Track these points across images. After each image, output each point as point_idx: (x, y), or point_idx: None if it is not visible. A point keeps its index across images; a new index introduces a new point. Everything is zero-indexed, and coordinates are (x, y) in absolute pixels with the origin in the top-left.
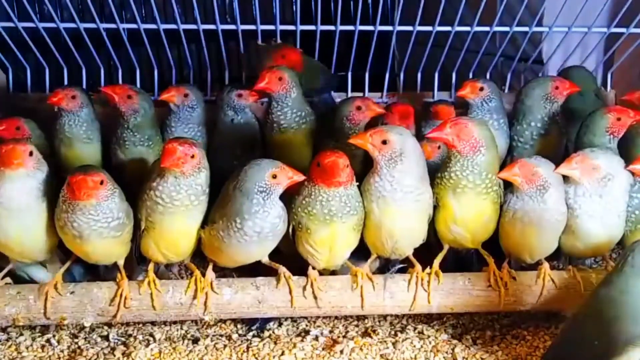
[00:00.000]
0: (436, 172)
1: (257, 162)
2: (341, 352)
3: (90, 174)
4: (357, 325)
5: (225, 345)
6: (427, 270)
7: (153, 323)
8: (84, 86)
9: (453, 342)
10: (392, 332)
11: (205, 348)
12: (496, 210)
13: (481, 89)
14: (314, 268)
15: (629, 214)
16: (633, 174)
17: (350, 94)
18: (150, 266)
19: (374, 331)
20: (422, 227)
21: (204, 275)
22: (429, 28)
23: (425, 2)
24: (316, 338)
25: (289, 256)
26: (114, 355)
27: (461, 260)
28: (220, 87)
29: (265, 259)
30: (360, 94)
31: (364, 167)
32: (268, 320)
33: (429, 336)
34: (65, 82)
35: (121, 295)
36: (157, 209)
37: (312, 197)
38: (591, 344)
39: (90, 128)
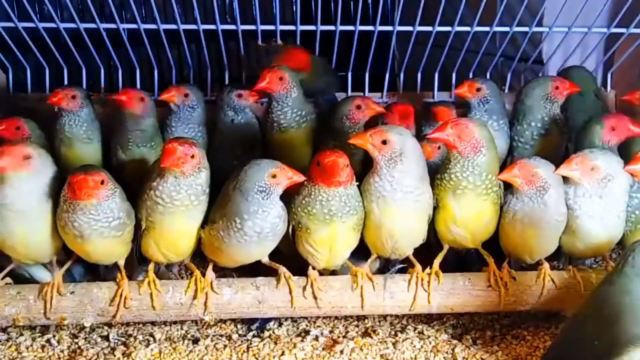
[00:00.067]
0: (436, 172)
1: (256, 162)
2: (341, 352)
3: (90, 174)
4: (357, 326)
5: (225, 346)
6: (427, 270)
7: (153, 323)
8: (84, 86)
9: (453, 342)
10: (392, 332)
11: (206, 348)
12: (496, 211)
13: (478, 89)
14: (314, 268)
15: (628, 214)
16: (631, 174)
17: (350, 94)
18: (151, 266)
19: (374, 331)
20: (422, 227)
21: (204, 275)
22: (429, 28)
23: (425, 2)
24: (316, 338)
25: (289, 256)
26: (114, 356)
27: (461, 260)
28: (220, 87)
29: (265, 259)
30: (360, 94)
31: (363, 167)
32: (268, 320)
33: (429, 336)
34: (65, 82)
35: (121, 295)
36: (157, 209)
37: (312, 197)
38: (591, 344)
39: (90, 128)
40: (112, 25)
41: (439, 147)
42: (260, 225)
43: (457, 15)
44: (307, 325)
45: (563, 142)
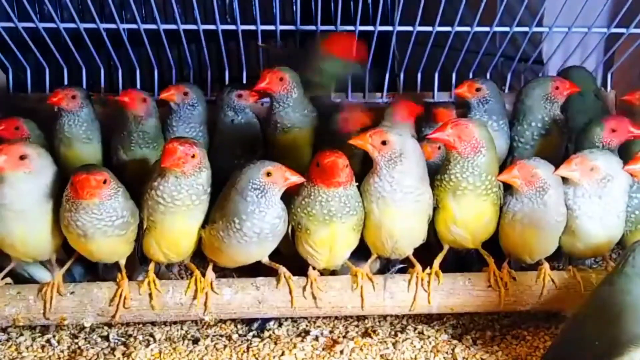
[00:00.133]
0: (436, 173)
1: (253, 162)
2: (341, 352)
3: (93, 173)
4: (357, 326)
5: (225, 346)
6: (427, 270)
7: (153, 323)
8: (84, 86)
9: (453, 342)
10: (392, 333)
11: (206, 348)
12: (496, 211)
13: (478, 89)
14: (314, 268)
15: (628, 214)
16: (631, 174)
17: (350, 94)
18: (151, 266)
19: (374, 331)
20: (422, 228)
21: (204, 275)
22: (429, 28)
23: (426, 2)
24: (316, 338)
25: (289, 256)
26: (114, 356)
27: (461, 260)
28: (220, 87)
29: (265, 259)
30: (360, 94)
31: (363, 167)
32: (268, 319)
33: (429, 336)
34: (65, 82)
35: (120, 295)
36: (159, 209)
37: (312, 198)
38: (592, 344)
39: (89, 128)
40: (112, 25)
41: (439, 148)
42: (259, 226)
43: (457, 15)
44: (307, 326)
45: (563, 142)
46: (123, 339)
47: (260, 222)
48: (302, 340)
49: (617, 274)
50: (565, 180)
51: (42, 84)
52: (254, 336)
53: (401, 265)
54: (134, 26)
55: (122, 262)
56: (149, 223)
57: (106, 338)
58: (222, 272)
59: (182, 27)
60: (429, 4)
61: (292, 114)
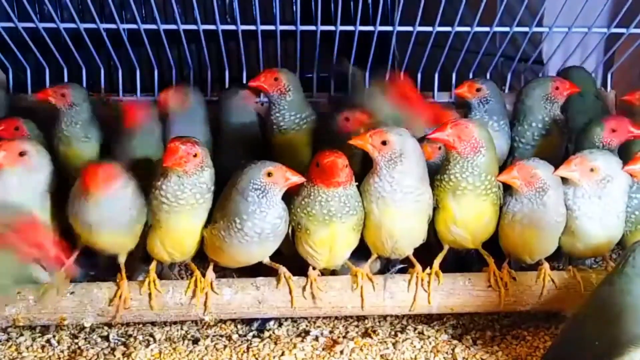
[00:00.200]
0: (436, 173)
1: (254, 162)
2: (341, 352)
3: (102, 166)
4: (357, 326)
5: (225, 346)
6: (427, 270)
7: (153, 323)
8: (84, 86)
9: (453, 342)
10: (392, 333)
11: (206, 348)
12: (496, 211)
13: (478, 89)
14: (314, 268)
15: (628, 214)
16: (630, 175)
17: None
18: (152, 266)
19: (374, 331)
20: (422, 228)
21: (204, 275)
22: (429, 28)
23: (426, 2)
24: (316, 338)
25: (289, 256)
26: (114, 356)
27: (461, 260)
28: (220, 87)
29: (265, 259)
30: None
31: (363, 167)
32: (268, 319)
33: (429, 336)
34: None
35: (120, 296)
36: (163, 208)
37: (312, 198)
38: (592, 344)
39: (88, 127)
40: (112, 26)
41: (439, 148)
42: (261, 226)
43: (457, 15)
44: (307, 326)
45: (563, 142)
46: (123, 339)
47: (262, 222)
48: (302, 341)
49: (617, 274)
50: (565, 180)
51: (42, 84)
52: (254, 336)
53: (401, 266)
54: (134, 26)
55: (122, 260)
56: (153, 222)
57: (106, 338)
58: (222, 272)
59: (182, 27)
60: (429, 4)
61: (287, 116)
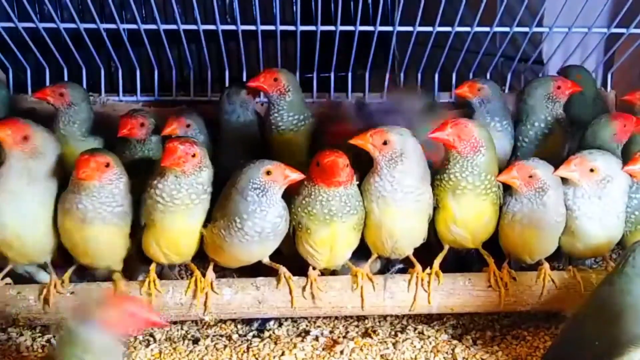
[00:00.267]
0: (435, 173)
1: (253, 162)
2: (341, 352)
3: (95, 155)
4: (357, 326)
5: (225, 346)
6: (428, 270)
7: None
8: (84, 86)
9: (453, 342)
10: (393, 333)
11: (206, 348)
12: (496, 211)
13: (479, 89)
14: (314, 268)
15: (628, 214)
16: (630, 175)
17: (350, 94)
18: (152, 266)
19: (374, 331)
20: (422, 227)
21: (204, 275)
22: (429, 28)
23: (426, 2)
24: (316, 338)
25: (289, 256)
26: None
27: (461, 261)
28: (220, 87)
29: (265, 259)
30: (361, 94)
31: (361, 166)
32: (268, 318)
33: (429, 336)
34: None
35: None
36: (158, 208)
37: (312, 197)
38: (591, 344)
39: (84, 126)
40: (112, 26)
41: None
42: (261, 225)
43: (457, 15)
44: (307, 326)
45: (566, 141)
46: (123, 339)
47: (262, 221)
48: (302, 340)
49: (617, 274)
50: (565, 180)
51: (42, 84)
52: (254, 336)
53: (401, 266)
54: (134, 26)
55: (118, 276)
56: (148, 222)
57: None
58: (222, 272)
59: (182, 27)
60: (429, 4)
61: (286, 116)
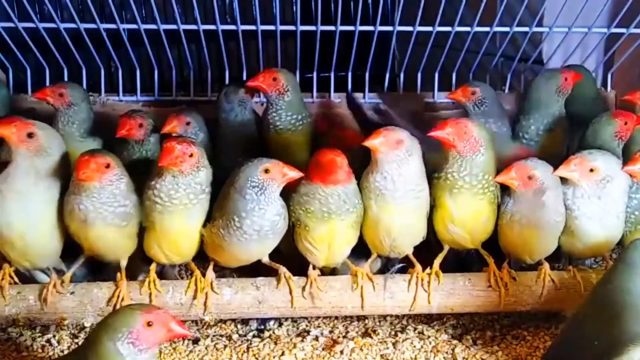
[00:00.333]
0: (433, 172)
1: (251, 160)
2: (341, 352)
3: (95, 156)
4: (357, 326)
5: (225, 346)
6: (428, 270)
7: None
8: (84, 86)
9: (453, 342)
10: (392, 333)
11: (206, 348)
12: (494, 210)
13: (473, 92)
14: (314, 268)
15: (628, 214)
16: (630, 175)
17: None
18: (153, 266)
19: (374, 331)
20: (421, 224)
21: (204, 275)
22: (429, 28)
23: (426, 2)
24: (316, 338)
25: (289, 256)
26: None
27: (462, 262)
28: (220, 87)
29: (265, 259)
30: (360, 94)
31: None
32: (268, 318)
33: (429, 336)
34: None
35: (118, 296)
36: (156, 209)
37: (310, 195)
38: (591, 343)
39: (84, 126)
40: (112, 26)
41: None
42: (259, 224)
43: (457, 15)
44: (307, 326)
45: (565, 140)
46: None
47: (260, 220)
48: (302, 340)
49: (615, 273)
50: (564, 180)
51: (42, 84)
52: (254, 336)
53: (401, 265)
54: (134, 26)
55: (123, 264)
56: (148, 223)
57: None
58: (222, 272)
59: (182, 27)
60: (429, 4)
61: (284, 116)
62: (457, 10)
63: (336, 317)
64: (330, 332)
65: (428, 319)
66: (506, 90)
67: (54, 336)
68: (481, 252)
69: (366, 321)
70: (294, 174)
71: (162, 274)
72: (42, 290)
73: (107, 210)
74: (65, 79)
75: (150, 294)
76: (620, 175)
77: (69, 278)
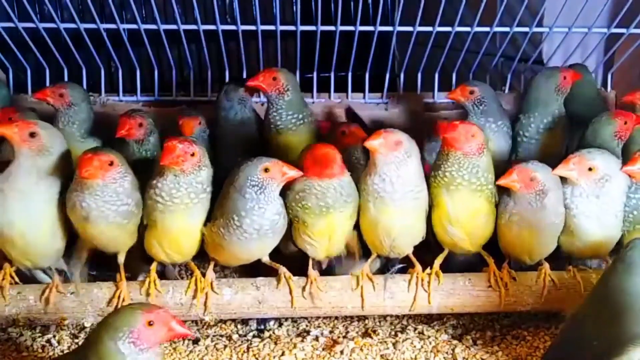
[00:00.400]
0: (429, 171)
1: (251, 159)
2: (341, 352)
3: (98, 154)
4: (357, 326)
5: (225, 346)
6: (428, 270)
7: None
8: (85, 86)
9: (453, 342)
10: (393, 333)
11: (206, 348)
12: (492, 210)
13: (471, 92)
14: (313, 268)
15: (626, 214)
16: (629, 175)
17: (350, 94)
18: (153, 266)
19: (374, 331)
20: (420, 225)
21: (204, 275)
22: (429, 28)
23: (426, 2)
24: (316, 338)
25: (289, 256)
26: None
27: (462, 265)
28: (220, 88)
29: (265, 259)
30: (360, 94)
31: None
32: (266, 318)
33: (429, 336)
34: None
35: (119, 297)
36: (157, 208)
37: (307, 191)
38: (591, 344)
39: (84, 126)
40: (112, 26)
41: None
42: (259, 223)
43: (457, 15)
44: (307, 326)
45: (565, 139)
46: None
47: (260, 219)
48: (302, 340)
49: (613, 273)
50: (563, 179)
51: (42, 84)
52: (254, 336)
53: (401, 265)
54: (134, 26)
55: (121, 260)
56: (149, 222)
57: None
58: (222, 273)
59: (182, 27)
60: (429, 4)
61: (284, 115)
62: (457, 11)
63: (336, 317)
64: (331, 332)
65: (428, 319)
66: (506, 90)
67: (54, 336)
68: (481, 253)
69: (366, 321)
70: (293, 173)
71: (163, 274)
72: (43, 290)
73: (109, 209)
74: (66, 79)
75: (150, 294)
76: (619, 175)
77: (78, 279)
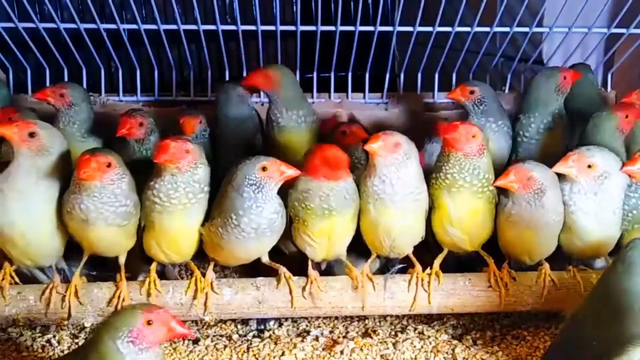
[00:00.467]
0: (430, 173)
1: (249, 158)
2: (341, 352)
3: (96, 155)
4: (357, 326)
5: (225, 346)
6: (428, 270)
7: None
8: (85, 86)
9: (453, 342)
10: (393, 333)
11: (206, 348)
12: (491, 210)
13: (472, 92)
14: (313, 266)
15: (626, 213)
16: (629, 175)
17: (350, 94)
18: (153, 266)
19: (374, 331)
20: (420, 225)
21: (204, 275)
22: (429, 29)
23: (426, 2)
24: (316, 338)
25: (289, 256)
26: None
27: (462, 264)
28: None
29: (265, 259)
30: (360, 94)
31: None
32: (266, 318)
33: (429, 336)
34: None
35: (119, 297)
36: (155, 209)
37: (311, 192)
38: (590, 344)
39: (84, 126)
40: (112, 26)
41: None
42: (257, 222)
43: (457, 15)
44: (307, 326)
45: (565, 138)
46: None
47: (258, 218)
48: (302, 341)
49: (613, 273)
50: (562, 176)
51: (42, 84)
52: (254, 336)
53: (401, 265)
54: (134, 26)
55: (122, 261)
56: (147, 223)
57: None
58: (223, 273)
59: (182, 27)
60: (429, 4)
61: (284, 113)
62: (457, 11)
63: (336, 317)
64: (331, 332)
65: (428, 319)
66: (506, 90)
67: (54, 336)
68: (481, 253)
69: (366, 321)
70: (291, 172)
71: (163, 274)
72: (43, 291)
73: (108, 210)
74: (66, 79)
75: (150, 293)
76: (618, 172)
77: (78, 277)
